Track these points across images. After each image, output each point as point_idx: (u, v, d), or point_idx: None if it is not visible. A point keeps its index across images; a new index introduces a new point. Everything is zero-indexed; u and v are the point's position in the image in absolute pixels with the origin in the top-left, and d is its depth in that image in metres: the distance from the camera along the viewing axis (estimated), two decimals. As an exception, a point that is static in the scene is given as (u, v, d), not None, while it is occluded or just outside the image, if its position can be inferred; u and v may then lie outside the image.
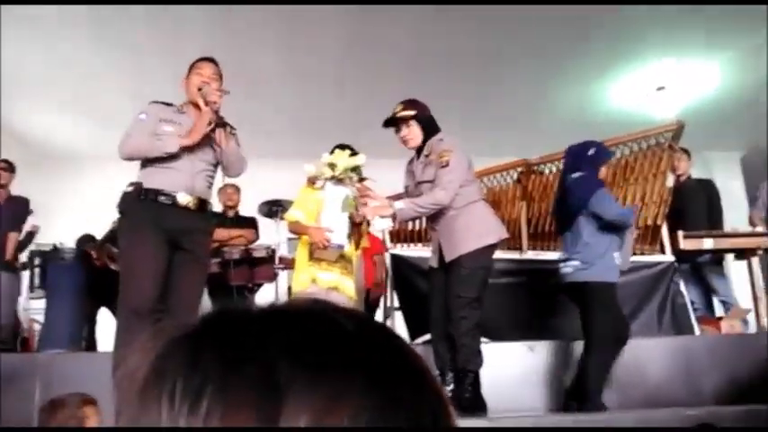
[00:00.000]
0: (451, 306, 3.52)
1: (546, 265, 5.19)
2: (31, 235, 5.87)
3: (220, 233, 5.30)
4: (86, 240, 5.64)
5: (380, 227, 3.60)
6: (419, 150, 3.74)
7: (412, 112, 3.68)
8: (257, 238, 5.57)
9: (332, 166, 3.63)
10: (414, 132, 3.67)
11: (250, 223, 5.65)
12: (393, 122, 3.70)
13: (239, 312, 0.42)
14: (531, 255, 5.29)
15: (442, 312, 3.60)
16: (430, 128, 3.72)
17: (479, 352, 3.56)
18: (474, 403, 3.49)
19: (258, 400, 0.35)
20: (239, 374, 0.36)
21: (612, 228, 3.81)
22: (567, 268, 3.88)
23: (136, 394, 0.38)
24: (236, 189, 5.57)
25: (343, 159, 3.63)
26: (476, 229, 3.61)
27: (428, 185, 3.62)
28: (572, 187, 3.95)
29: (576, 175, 3.96)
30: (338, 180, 3.66)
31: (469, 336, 3.52)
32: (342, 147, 3.86)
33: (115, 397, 0.42)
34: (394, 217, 3.56)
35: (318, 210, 3.71)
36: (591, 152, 4.00)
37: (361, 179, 3.71)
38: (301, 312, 0.41)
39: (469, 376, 3.51)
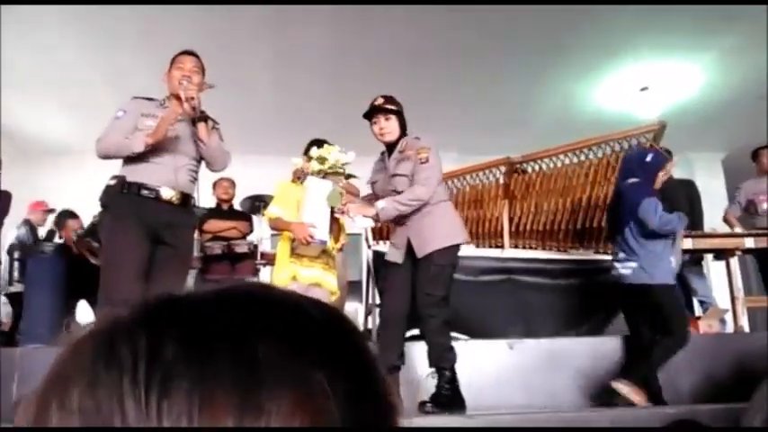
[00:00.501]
0: (420, 304, 3.52)
1: (527, 264, 5.24)
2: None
3: (215, 224, 5.32)
4: (64, 216, 5.59)
5: (363, 225, 3.59)
6: (390, 147, 3.74)
7: (394, 107, 3.70)
8: (251, 230, 5.59)
9: (322, 160, 3.62)
10: (392, 127, 3.68)
11: (245, 216, 5.67)
12: (376, 112, 3.69)
13: (199, 294, 0.41)
14: (512, 253, 5.31)
15: (405, 308, 3.59)
16: (404, 126, 3.75)
17: (451, 348, 3.56)
18: (452, 400, 3.50)
19: (237, 377, 0.35)
20: (213, 353, 0.35)
21: (661, 234, 3.94)
22: (625, 270, 3.97)
23: (85, 374, 0.36)
24: (232, 183, 5.59)
25: (334, 154, 3.63)
26: (447, 227, 3.64)
27: (403, 179, 3.63)
28: (626, 193, 4.09)
29: (631, 181, 4.09)
30: (326, 174, 3.64)
31: (439, 333, 3.54)
32: (318, 142, 3.86)
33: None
34: (377, 216, 3.57)
35: (299, 205, 3.69)
36: (648, 159, 4.14)
37: (349, 176, 3.71)
38: (261, 294, 0.41)
39: (445, 374, 3.51)
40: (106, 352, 0.36)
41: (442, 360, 3.52)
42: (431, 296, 3.50)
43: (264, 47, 6.52)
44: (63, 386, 0.37)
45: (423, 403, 3.47)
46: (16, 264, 5.52)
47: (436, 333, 3.53)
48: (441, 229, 3.60)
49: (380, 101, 3.72)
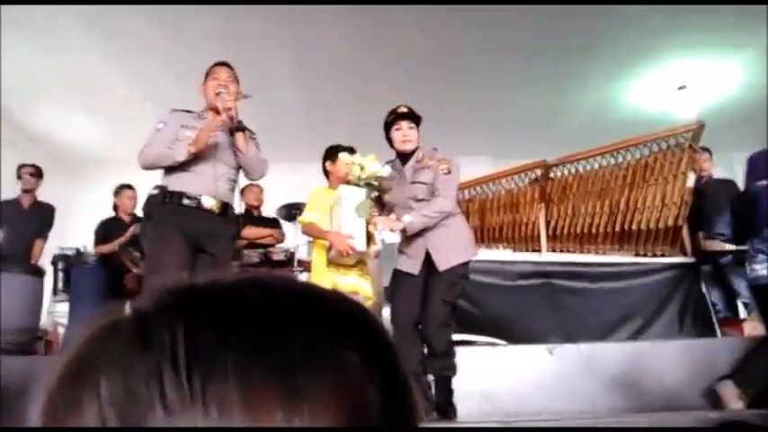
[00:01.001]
0: (436, 312, 3.50)
1: (565, 267, 5.19)
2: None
3: (253, 231, 5.37)
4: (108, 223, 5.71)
5: (389, 240, 3.60)
6: (405, 155, 3.74)
7: (417, 116, 3.74)
8: (284, 238, 5.64)
9: (362, 168, 3.61)
10: (414, 135, 3.70)
11: (275, 223, 5.72)
12: (400, 119, 3.71)
13: (216, 282, 0.40)
14: (549, 257, 5.27)
15: (417, 314, 3.56)
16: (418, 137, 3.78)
17: (455, 357, 3.58)
18: (452, 408, 3.51)
19: (281, 369, 0.35)
20: (251, 338, 0.35)
21: None
22: (765, 271, 3.93)
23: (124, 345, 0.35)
24: (261, 189, 5.63)
25: (373, 165, 3.62)
26: (465, 240, 3.71)
27: (423, 187, 3.64)
28: (761, 195, 4.00)
29: (765, 182, 4.01)
30: (363, 184, 3.64)
31: (450, 344, 3.56)
32: (339, 148, 3.88)
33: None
34: (404, 230, 3.57)
35: (330, 211, 3.70)
36: None
37: (381, 190, 3.70)
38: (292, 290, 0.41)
39: (450, 383, 3.52)
40: (140, 338, 0.35)
41: (452, 371, 3.52)
42: (447, 304, 3.52)
43: (291, 54, 6.58)
44: (89, 375, 0.35)
45: (427, 412, 3.44)
46: (60, 275, 5.64)
47: (449, 343, 3.56)
48: (460, 242, 3.65)
49: (405, 109, 3.74)
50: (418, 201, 3.62)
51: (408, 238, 3.62)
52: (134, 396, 0.33)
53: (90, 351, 0.37)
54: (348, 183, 3.67)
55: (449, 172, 3.65)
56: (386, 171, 3.64)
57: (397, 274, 3.70)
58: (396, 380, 0.40)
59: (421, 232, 3.60)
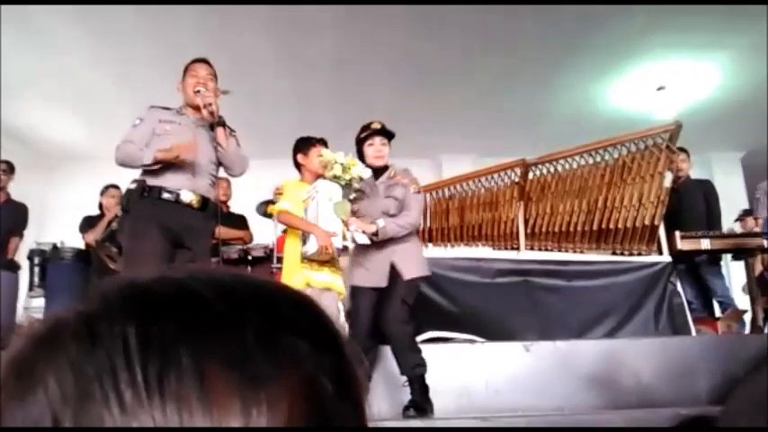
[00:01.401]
0: (396, 312, 3.62)
1: (543, 265, 5.23)
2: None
3: (223, 232, 5.31)
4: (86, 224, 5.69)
5: (361, 241, 3.65)
6: (377, 171, 3.85)
7: (392, 133, 3.89)
8: (252, 239, 5.60)
9: (345, 169, 3.61)
10: (386, 151, 3.87)
11: (243, 221, 5.67)
12: (375, 134, 3.85)
13: (161, 279, 0.39)
14: (528, 255, 5.30)
15: (371, 328, 3.70)
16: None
17: (422, 356, 3.66)
18: (429, 405, 3.58)
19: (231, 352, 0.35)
20: (205, 331, 0.35)
21: None
22: None
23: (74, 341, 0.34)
24: (229, 183, 5.54)
25: (357, 169, 3.64)
26: (423, 256, 3.97)
27: (395, 202, 3.80)
28: None
29: None
30: (343, 183, 3.64)
31: (413, 344, 3.69)
32: (313, 140, 3.90)
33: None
34: (375, 233, 3.67)
35: (305, 204, 3.70)
36: None
37: (358, 191, 3.74)
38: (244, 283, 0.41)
39: (423, 381, 3.60)
40: (88, 336, 0.34)
41: (422, 367, 3.60)
42: (406, 305, 3.65)
43: (274, 52, 6.56)
44: (35, 375, 0.34)
45: (406, 408, 3.54)
46: (36, 270, 5.60)
47: (411, 339, 3.69)
48: (420, 257, 3.89)
49: (378, 125, 3.86)
50: (390, 215, 3.77)
51: (368, 251, 3.72)
52: (87, 394, 0.32)
53: (33, 351, 0.35)
54: (322, 177, 3.67)
55: (418, 192, 3.91)
56: (367, 173, 3.67)
57: (357, 290, 3.79)
58: (345, 367, 0.40)
59: (383, 246, 3.73)
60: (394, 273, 3.69)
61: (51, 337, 0.36)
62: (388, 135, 3.86)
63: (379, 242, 3.72)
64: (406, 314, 3.65)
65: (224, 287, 0.39)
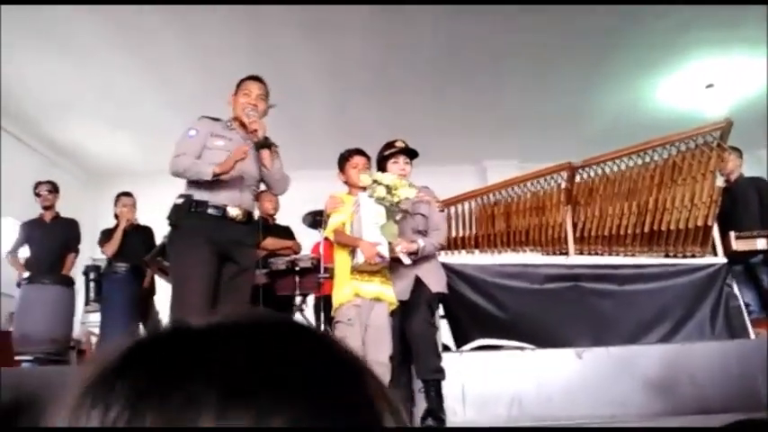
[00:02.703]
0: (422, 314, 3.71)
1: (594, 270, 5.13)
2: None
3: (272, 242, 5.37)
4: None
5: (407, 262, 3.71)
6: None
7: (415, 152, 3.97)
8: (300, 249, 5.65)
9: (391, 190, 3.62)
10: (409, 169, 3.94)
11: (290, 232, 5.73)
12: (401, 153, 3.94)
13: (169, 335, 0.43)
14: (577, 259, 5.22)
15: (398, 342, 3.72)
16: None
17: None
18: (443, 412, 3.62)
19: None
20: (156, 404, 0.37)
21: None
22: None
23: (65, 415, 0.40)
24: (275, 195, 5.59)
25: (404, 191, 3.65)
26: (442, 270, 4.04)
27: (422, 218, 3.94)
28: None
29: None
30: (388, 205, 3.64)
31: (436, 346, 3.81)
32: (353, 152, 3.91)
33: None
34: (416, 252, 3.76)
35: (351, 217, 3.71)
36: None
37: (405, 211, 3.77)
38: (234, 330, 0.42)
39: (440, 386, 3.65)
40: (75, 407, 0.40)
41: (440, 373, 3.65)
42: (432, 310, 3.79)
43: (315, 58, 6.62)
44: (60, 409, 0.41)
45: (424, 417, 3.57)
46: (92, 285, 5.74)
47: (433, 347, 3.74)
48: (442, 272, 3.99)
49: (402, 144, 3.96)
50: (418, 231, 3.88)
51: (394, 265, 3.76)
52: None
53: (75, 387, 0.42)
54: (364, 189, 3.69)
55: (443, 210, 4.09)
56: (412, 193, 3.69)
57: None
58: (336, 396, 0.40)
59: (421, 262, 3.82)
60: (419, 285, 3.78)
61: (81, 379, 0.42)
62: (411, 154, 3.95)
63: (420, 259, 3.80)
64: (431, 317, 3.75)
65: (208, 343, 0.41)
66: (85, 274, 5.80)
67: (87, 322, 6.17)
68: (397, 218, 3.66)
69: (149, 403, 0.37)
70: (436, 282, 3.84)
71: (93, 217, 8.02)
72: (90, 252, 6.71)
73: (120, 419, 0.37)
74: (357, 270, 3.59)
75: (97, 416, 0.38)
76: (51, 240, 5.92)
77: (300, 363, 0.41)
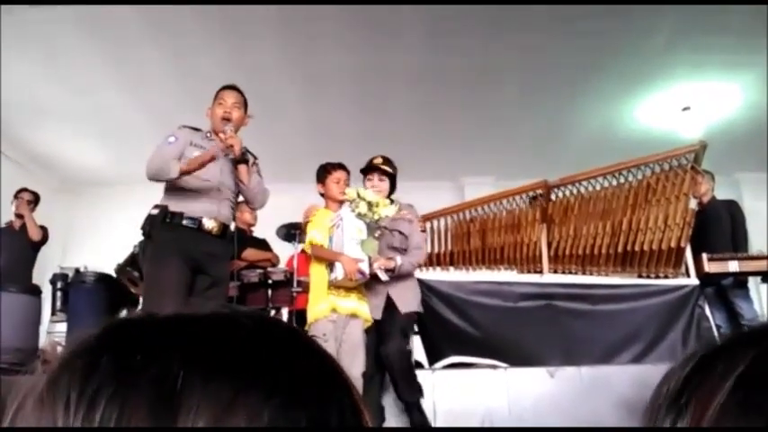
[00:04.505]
0: (397, 344, 3.73)
1: (567, 289, 5.14)
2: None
3: (251, 254, 5.32)
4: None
5: (384, 278, 3.73)
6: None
7: (391, 170, 3.98)
8: (278, 260, 5.60)
9: (372, 207, 3.62)
10: (383, 187, 3.94)
11: (267, 245, 5.68)
12: (373, 170, 3.96)
13: (139, 320, 0.43)
14: (551, 278, 5.22)
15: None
16: (393, 188, 4.04)
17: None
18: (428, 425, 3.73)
19: (153, 406, 0.36)
20: (134, 382, 0.37)
21: None
22: None
23: (33, 404, 0.39)
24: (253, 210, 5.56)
25: (386, 210, 3.67)
26: (417, 288, 4.10)
27: (400, 236, 3.97)
28: None
29: None
30: (368, 221, 3.64)
31: (412, 370, 3.86)
32: (333, 166, 3.90)
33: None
34: (394, 270, 3.77)
35: (330, 232, 3.69)
36: None
37: (383, 228, 3.81)
38: (203, 317, 0.43)
39: (421, 405, 3.75)
40: (53, 380, 0.40)
41: (419, 395, 3.75)
42: (407, 336, 3.87)
43: (294, 72, 6.60)
44: (25, 400, 0.41)
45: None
46: (59, 294, 5.63)
47: (410, 374, 3.80)
48: (417, 293, 4.03)
49: (379, 160, 3.99)
50: (393, 248, 3.90)
51: (369, 281, 3.77)
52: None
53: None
54: (344, 203, 3.68)
55: (423, 230, 4.15)
56: (392, 211, 3.71)
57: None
58: (305, 392, 0.40)
59: (393, 281, 3.83)
60: (390, 305, 3.79)
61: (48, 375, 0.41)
62: (386, 172, 3.96)
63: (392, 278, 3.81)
64: (405, 345, 3.80)
65: (180, 328, 0.41)
66: (53, 283, 5.69)
67: (53, 332, 6.03)
68: (376, 234, 3.67)
69: (133, 377, 0.37)
70: (408, 301, 3.85)
71: (65, 225, 7.91)
72: (59, 261, 6.59)
73: (102, 395, 0.37)
74: (335, 285, 3.56)
75: (76, 391, 0.38)
76: (22, 248, 5.84)
77: (273, 348, 0.41)
